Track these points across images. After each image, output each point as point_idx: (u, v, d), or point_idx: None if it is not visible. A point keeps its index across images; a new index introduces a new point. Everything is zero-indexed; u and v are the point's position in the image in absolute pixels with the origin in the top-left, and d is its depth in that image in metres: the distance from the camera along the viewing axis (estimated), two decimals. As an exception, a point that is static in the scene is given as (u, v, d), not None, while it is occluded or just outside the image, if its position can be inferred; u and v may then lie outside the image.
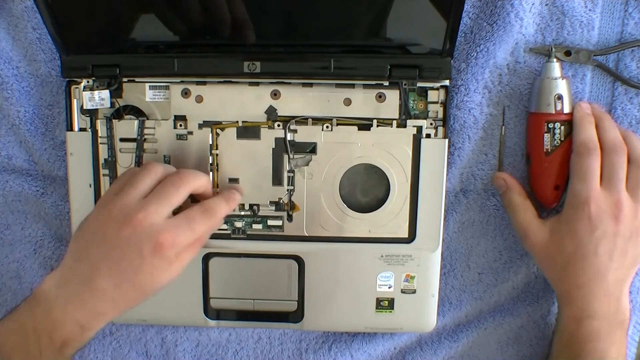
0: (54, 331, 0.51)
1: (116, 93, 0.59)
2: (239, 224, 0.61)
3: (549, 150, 0.57)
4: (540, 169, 0.58)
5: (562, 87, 0.56)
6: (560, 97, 0.56)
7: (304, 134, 0.59)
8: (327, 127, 0.59)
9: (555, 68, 0.57)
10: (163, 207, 0.51)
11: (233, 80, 0.59)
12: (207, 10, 0.54)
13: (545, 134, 0.57)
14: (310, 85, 0.59)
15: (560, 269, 0.57)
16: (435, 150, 0.59)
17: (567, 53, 0.58)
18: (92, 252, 0.51)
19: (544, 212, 0.60)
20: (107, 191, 0.54)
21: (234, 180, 0.60)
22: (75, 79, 0.59)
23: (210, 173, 0.60)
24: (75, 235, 0.53)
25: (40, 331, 0.51)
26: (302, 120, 0.59)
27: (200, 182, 0.54)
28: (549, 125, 0.56)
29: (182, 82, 0.59)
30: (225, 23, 0.55)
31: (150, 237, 0.49)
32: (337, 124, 0.59)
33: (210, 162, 0.60)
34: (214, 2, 0.54)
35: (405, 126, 0.59)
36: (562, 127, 0.56)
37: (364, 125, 0.59)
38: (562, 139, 0.57)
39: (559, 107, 0.56)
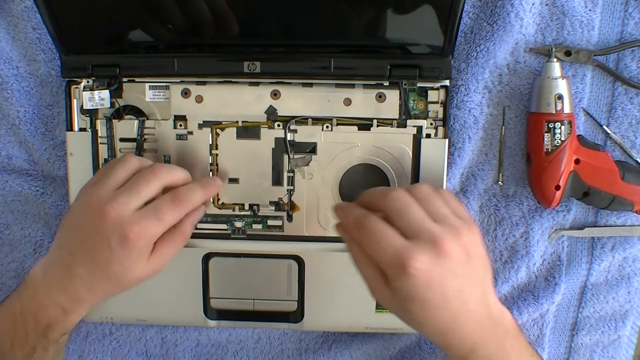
0: (39, 313, 0.53)
1: (116, 93, 0.59)
2: (239, 224, 0.61)
3: (549, 150, 0.57)
4: (541, 169, 0.58)
5: (562, 86, 0.56)
6: (560, 97, 0.56)
7: (304, 134, 0.59)
8: (327, 127, 0.59)
9: (556, 68, 0.57)
10: (132, 199, 0.51)
11: (233, 80, 0.59)
12: (211, 8, 0.54)
13: (546, 134, 0.57)
14: (310, 85, 0.59)
15: (419, 325, 0.49)
16: (435, 150, 0.59)
17: (567, 53, 0.58)
18: (71, 240, 0.52)
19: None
20: (88, 181, 0.54)
21: (234, 181, 0.60)
22: (75, 79, 0.59)
23: (210, 173, 0.60)
24: (61, 223, 0.54)
25: (26, 314, 0.53)
26: (302, 120, 0.59)
27: (175, 177, 0.54)
28: (549, 125, 0.56)
29: (182, 82, 0.59)
30: (227, 26, 0.55)
31: (117, 229, 0.50)
32: (337, 124, 0.59)
33: (210, 162, 0.60)
34: (217, 5, 0.54)
35: (405, 126, 0.59)
36: (563, 127, 0.56)
37: (364, 125, 0.59)
38: (563, 138, 0.57)
39: (559, 107, 0.56)
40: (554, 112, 0.56)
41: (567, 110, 0.56)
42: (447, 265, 0.46)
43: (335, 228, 0.53)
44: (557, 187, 0.57)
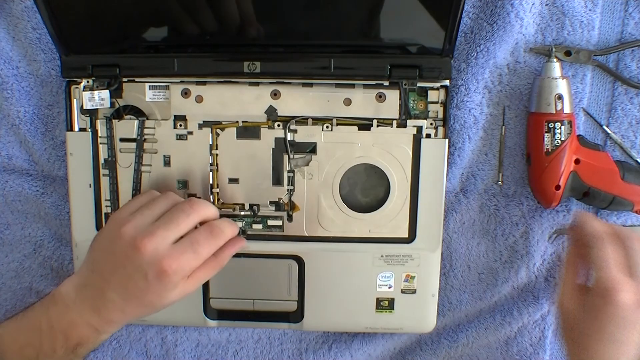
0: (70, 331, 0.53)
1: (116, 93, 0.59)
2: (239, 224, 0.61)
3: (549, 150, 0.57)
4: (541, 168, 0.58)
5: (562, 86, 0.56)
6: (560, 97, 0.56)
7: (304, 134, 0.59)
8: (327, 127, 0.59)
9: (556, 68, 0.57)
10: (170, 232, 0.51)
11: (233, 80, 0.59)
12: (213, 9, 0.54)
13: (546, 134, 0.57)
14: (310, 85, 0.59)
15: (579, 344, 0.54)
16: (435, 150, 0.59)
17: (567, 53, 0.58)
18: (104, 266, 0.52)
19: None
20: (123, 206, 0.55)
21: (234, 180, 0.60)
22: (75, 79, 0.59)
23: (210, 173, 0.60)
24: (92, 246, 0.55)
25: (56, 330, 0.53)
26: (302, 120, 0.59)
27: (210, 212, 0.54)
28: (549, 125, 0.56)
29: (182, 82, 0.59)
30: (232, 22, 0.55)
31: (155, 263, 0.50)
32: (337, 124, 0.59)
33: (210, 162, 0.60)
34: (222, 2, 0.54)
35: (405, 126, 0.59)
36: (563, 127, 0.56)
37: (364, 125, 0.59)
38: (563, 138, 0.56)
39: (559, 107, 0.56)
40: (554, 112, 0.56)
41: (567, 110, 0.56)
42: (636, 315, 0.50)
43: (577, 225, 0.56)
44: (557, 187, 0.57)
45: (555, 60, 0.57)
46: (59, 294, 0.54)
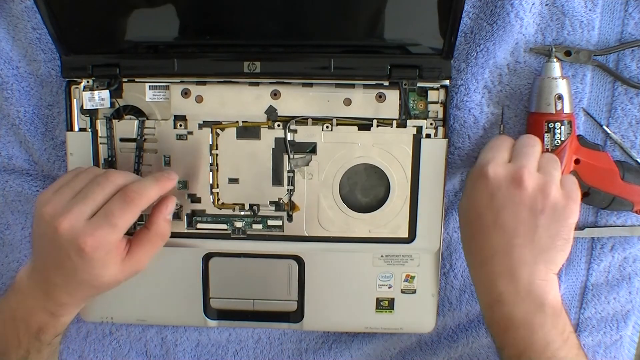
0: (29, 318, 0.53)
1: (116, 93, 0.59)
2: (239, 224, 0.61)
3: (549, 150, 0.57)
4: (540, 168, 0.58)
5: (562, 86, 0.56)
6: (560, 97, 0.56)
7: (304, 134, 0.59)
8: (327, 127, 0.59)
9: (556, 68, 0.56)
10: (86, 207, 0.49)
11: (233, 80, 0.59)
12: (208, 10, 0.54)
13: (546, 134, 0.57)
14: (310, 85, 0.59)
15: (467, 244, 0.53)
16: (435, 150, 0.59)
17: (567, 53, 0.58)
18: (39, 249, 0.52)
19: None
20: (49, 187, 0.53)
21: (234, 181, 0.60)
22: (75, 79, 0.59)
23: (210, 173, 0.60)
24: (32, 230, 0.54)
25: (17, 319, 0.53)
26: (302, 120, 0.59)
27: (129, 179, 0.52)
28: (549, 125, 0.56)
29: (182, 82, 0.59)
30: (227, 27, 0.55)
31: (72, 242, 0.48)
32: (337, 124, 0.59)
33: (210, 162, 0.60)
34: (215, 3, 0.54)
35: (405, 126, 0.59)
36: (562, 127, 0.56)
37: (364, 125, 0.59)
38: (563, 138, 0.56)
39: (559, 107, 0.56)
40: (554, 112, 0.56)
41: (567, 110, 0.56)
42: (515, 196, 0.49)
43: None
44: (557, 187, 0.58)
45: (555, 60, 0.57)
46: (16, 282, 0.53)
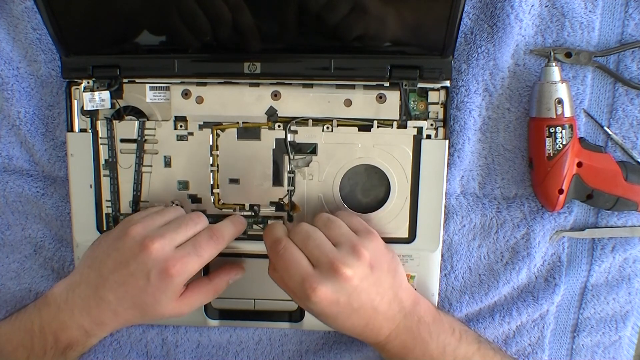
0: (61, 333, 0.54)
1: (116, 94, 0.59)
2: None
3: (551, 155, 0.57)
4: (543, 173, 0.58)
5: (562, 91, 0.56)
6: (560, 101, 0.56)
7: (304, 134, 0.59)
8: (327, 127, 0.59)
9: (555, 72, 0.56)
10: (178, 236, 0.53)
11: (233, 81, 0.59)
12: (210, 14, 0.54)
13: (547, 139, 0.56)
14: (311, 86, 0.59)
15: (336, 329, 0.55)
16: (435, 151, 0.59)
17: (568, 54, 0.58)
18: (105, 262, 0.53)
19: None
20: (137, 212, 0.58)
21: (235, 181, 0.60)
22: (76, 80, 0.59)
23: (211, 174, 0.60)
24: (94, 244, 0.56)
25: (47, 332, 0.54)
26: (303, 121, 0.59)
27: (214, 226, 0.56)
28: (550, 129, 0.56)
29: (182, 82, 0.59)
30: (228, 28, 0.55)
31: (159, 262, 0.51)
32: (338, 125, 0.59)
33: (211, 162, 0.60)
34: (217, 7, 0.54)
35: (405, 127, 0.59)
36: (564, 131, 0.56)
37: (365, 126, 0.59)
38: (564, 142, 0.56)
39: (559, 112, 0.56)
40: (555, 116, 0.56)
41: (567, 114, 0.56)
42: (350, 285, 0.51)
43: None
44: (561, 191, 0.57)
45: (554, 64, 0.56)
46: (51, 294, 0.55)
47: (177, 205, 0.60)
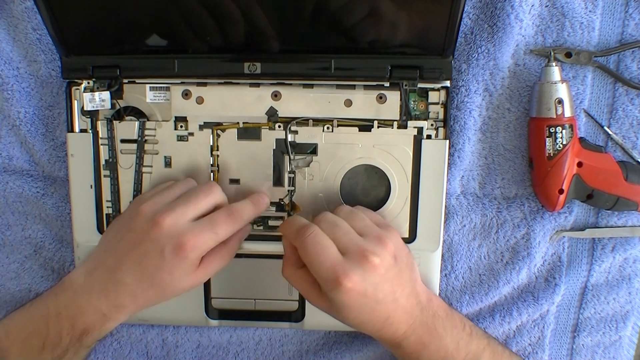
0: (77, 318, 0.53)
1: (117, 94, 0.59)
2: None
3: (552, 155, 0.57)
4: (544, 173, 0.58)
5: (562, 90, 0.56)
6: (560, 101, 0.56)
7: (304, 135, 0.59)
8: (327, 128, 0.59)
9: (555, 72, 0.56)
10: (190, 210, 0.52)
11: (234, 81, 0.59)
12: (218, 15, 0.54)
13: (547, 139, 0.56)
14: (311, 86, 0.59)
15: (355, 326, 0.54)
16: (435, 151, 0.59)
17: (568, 54, 0.58)
18: (119, 244, 0.53)
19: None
20: (146, 190, 0.58)
21: (235, 182, 0.60)
22: (76, 80, 0.59)
23: (211, 174, 0.60)
24: (109, 227, 0.56)
25: (63, 317, 0.53)
26: (303, 121, 0.59)
27: (225, 197, 0.56)
28: (550, 129, 0.56)
29: (182, 83, 0.59)
30: (237, 29, 0.55)
31: (173, 238, 0.51)
32: (338, 125, 0.59)
33: (211, 163, 0.60)
34: (228, 8, 0.54)
35: (405, 127, 0.59)
36: (564, 131, 0.56)
37: (365, 126, 0.59)
38: (564, 142, 0.56)
39: (559, 112, 0.56)
40: (555, 116, 0.56)
41: (567, 114, 0.56)
42: (377, 275, 0.51)
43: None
44: (561, 191, 0.58)
45: (554, 64, 0.57)
46: (68, 280, 0.55)
47: (188, 178, 0.59)
